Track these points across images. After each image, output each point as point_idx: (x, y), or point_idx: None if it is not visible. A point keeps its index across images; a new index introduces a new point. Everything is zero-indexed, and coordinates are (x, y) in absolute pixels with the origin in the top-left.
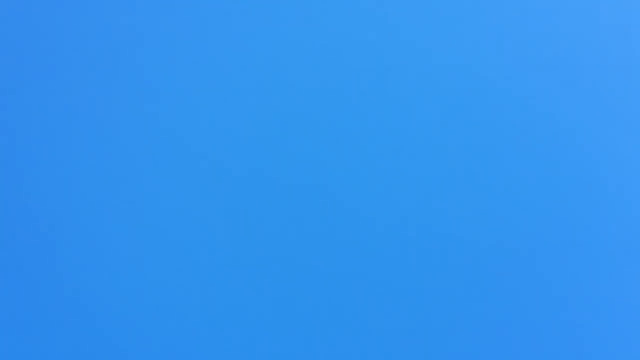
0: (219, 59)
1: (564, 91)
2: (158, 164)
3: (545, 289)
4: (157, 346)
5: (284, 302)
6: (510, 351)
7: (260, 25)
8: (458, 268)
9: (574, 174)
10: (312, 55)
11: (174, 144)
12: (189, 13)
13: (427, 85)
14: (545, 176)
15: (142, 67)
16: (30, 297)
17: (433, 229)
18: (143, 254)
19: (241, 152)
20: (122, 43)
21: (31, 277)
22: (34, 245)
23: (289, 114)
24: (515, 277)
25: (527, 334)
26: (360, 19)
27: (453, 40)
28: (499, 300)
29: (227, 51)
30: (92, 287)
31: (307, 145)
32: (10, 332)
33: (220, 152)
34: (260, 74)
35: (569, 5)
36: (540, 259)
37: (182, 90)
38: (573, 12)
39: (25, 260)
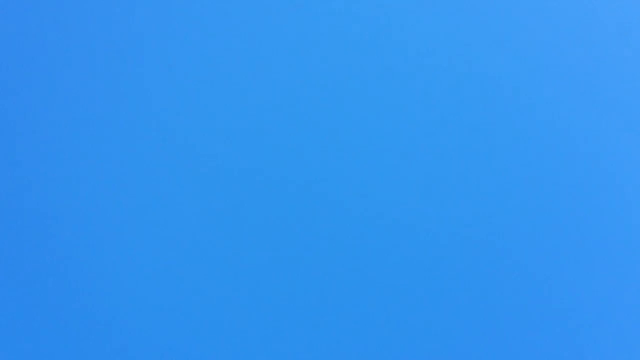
0: (219, 59)
1: (563, 92)
2: (157, 164)
3: (545, 289)
4: (157, 346)
5: (284, 302)
6: (510, 351)
7: (260, 25)
8: (457, 268)
9: (573, 174)
10: (311, 56)
11: (173, 144)
12: (189, 13)
13: (426, 86)
14: (545, 177)
15: (142, 67)
16: (30, 297)
17: (433, 229)
18: (143, 253)
19: (241, 152)
20: (122, 43)
21: (31, 277)
22: (33, 245)
23: (288, 114)
24: (515, 278)
25: (527, 334)
26: (360, 19)
27: (452, 40)
28: (498, 301)
29: (227, 51)
30: (92, 287)
31: (307, 145)
32: (10, 332)
33: (220, 151)
34: (260, 74)
35: (569, 5)
36: (539, 259)
37: (182, 90)
38: (573, 12)
39: (25, 260)
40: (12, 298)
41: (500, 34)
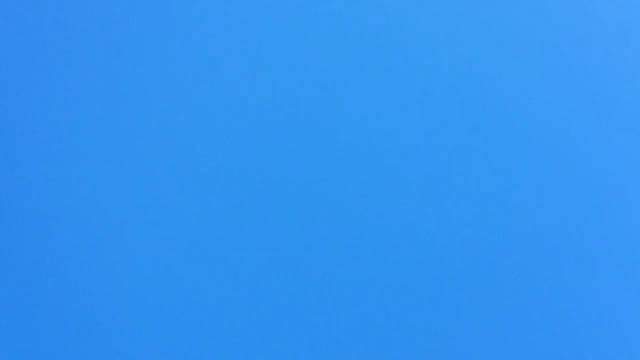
0: (219, 59)
1: (563, 92)
2: (157, 164)
3: (545, 289)
4: (157, 346)
5: (284, 302)
6: (510, 351)
7: (260, 25)
8: (457, 268)
9: (574, 174)
10: (311, 56)
11: (173, 144)
12: (189, 13)
13: (426, 86)
14: (545, 177)
15: (142, 67)
16: (30, 297)
17: (433, 229)
18: (143, 253)
19: (241, 152)
20: (122, 43)
21: (31, 277)
22: (33, 245)
23: (288, 114)
24: (515, 278)
25: (527, 334)
26: (360, 19)
27: (452, 40)
28: (498, 301)
29: (227, 51)
30: (92, 287)
31: (307, 145)
32: (10, 332)
33: (220, 151)
34: (260, 74)
35: (569, 5)
36: (540, 259)
37: (182, 90)
38: (573, 12)
39: (25, 260)
40: (12, 298)
41: (500, 34)
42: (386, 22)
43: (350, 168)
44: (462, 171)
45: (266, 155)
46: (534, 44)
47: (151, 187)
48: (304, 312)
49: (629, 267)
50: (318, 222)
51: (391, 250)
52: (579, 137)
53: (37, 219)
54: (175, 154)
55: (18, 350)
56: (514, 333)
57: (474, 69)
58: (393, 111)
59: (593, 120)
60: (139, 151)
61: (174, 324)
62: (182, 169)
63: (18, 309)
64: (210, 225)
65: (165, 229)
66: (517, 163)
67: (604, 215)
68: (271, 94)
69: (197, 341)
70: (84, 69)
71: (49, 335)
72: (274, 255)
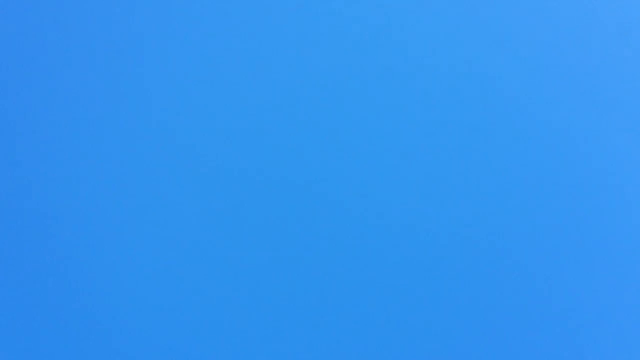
0: (219, 59)
1: (563, 92)
2: (157, 164)
3: (545, 289)
4: (157, 346)
5: (284, 302)
6: (510, 351)
7: (260, 25)
8: (457, 268)
9: (574, 174)
10: (311, 56)
11: (173, 144)
12: (189, 13)
13: (426, 86)
14: (545, 177)
15: (142, 67)
16: (30, 297)
17: (433, 229)
18: (143, 253)
19: (241, 152)
20: (122, 43)
21: (31, 277)
22: (33, 245)
23: (288, 114)
24: (515, 278)
25: (527, 334)
26: (360, 19)
27: (452, 40)
28: (498, 301)
29: (227, 51)
30: (92, 287)
31: (308, 145)
32: (10, 332)
33: (220, 151)
34: (260, 74)
35: (569, 5)
36: (540, 259)
37: (182, 90)
38: (573, 12)
39: (25, 260)
40: (12, 298)
41: (500, 34)
42: (386, 22)
43: (351, 168)
44: (462, 171)
45: (266, 155)
46: (534, 44)
47: (151, 187)
48: (304, 312)
49: (629, 267)
50: (318, 222)
51: (391, 250)
52: (579, 137)
53: (37, 219)
54: (175, 154)
55: (18, 350)
56: (514, 333)
57: (474, 69)
58: (393, 111)
59: (593, 120)
60: (139, 151)
61: (174, 324)
62: (182, 169)
63: (18, 309)
64: (210, 225)
65: (165, 229)
66: (517, 163)
67: (604, 215)
68: (271, 93)
69: (197, 341)
70: (84, 69)
71: (49, 335)
72: (274, 255)
